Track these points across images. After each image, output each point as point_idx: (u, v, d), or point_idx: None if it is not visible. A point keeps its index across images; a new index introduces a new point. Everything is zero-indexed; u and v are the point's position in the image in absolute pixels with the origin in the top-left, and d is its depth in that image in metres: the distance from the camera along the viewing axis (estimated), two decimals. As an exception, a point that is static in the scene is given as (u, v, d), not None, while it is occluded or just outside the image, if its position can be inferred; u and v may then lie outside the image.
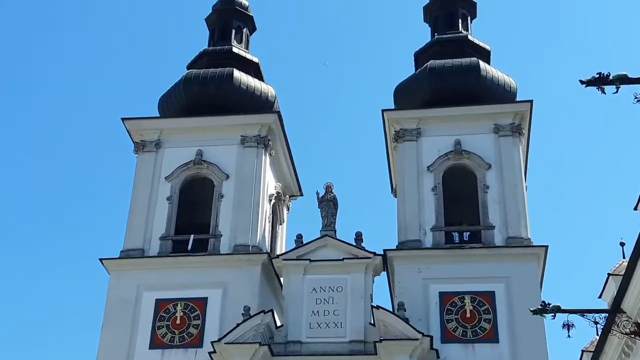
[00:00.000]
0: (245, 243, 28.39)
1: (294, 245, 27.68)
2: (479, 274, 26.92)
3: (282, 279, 28.11)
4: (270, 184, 31.05)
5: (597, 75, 15.12)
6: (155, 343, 26.95)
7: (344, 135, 66.62)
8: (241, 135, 30.33)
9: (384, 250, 27.55)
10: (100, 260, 28.48)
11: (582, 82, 15.15)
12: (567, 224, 63.44)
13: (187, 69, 33.28)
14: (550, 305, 18.11)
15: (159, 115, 32.19)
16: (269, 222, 30.65)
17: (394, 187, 32.75)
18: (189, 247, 28.71)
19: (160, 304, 27.45)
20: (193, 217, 29.97)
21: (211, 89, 31.58)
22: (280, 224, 32.75)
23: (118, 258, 28.57)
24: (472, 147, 29.51)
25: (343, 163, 64.94)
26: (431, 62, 31.79)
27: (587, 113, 64.50)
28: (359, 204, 60.20)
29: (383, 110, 30.72)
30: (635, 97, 14.92)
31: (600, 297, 31.06)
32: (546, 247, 27.43)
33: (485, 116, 30.01)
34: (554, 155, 63.99)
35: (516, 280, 26.72)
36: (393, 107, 31.59)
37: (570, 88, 63.48)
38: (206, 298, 27.38)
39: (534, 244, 27.65)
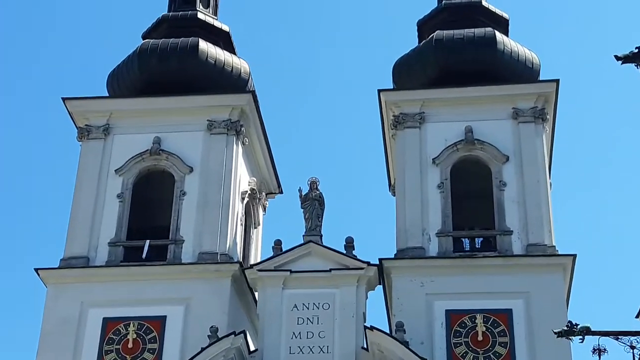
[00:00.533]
0: (213, 250, 28.48)
1: (271, 253, 27.87)
2: (493, 289, 27.12)
3: (256, 294, 28.25)
4: (243, 179, 31.15)
5: (636, 50, 15.29)
6: (103, 371, 27.04)
7: (332, 121, 66.82)
8: (208, 120, 30.42)
9: (380, 260, 27.70)
10: (36, 270, 28.53)
11: (617, 58, 15.33)
12: (598, 229, 63.76)
13: (143, 39, 33.37)
14: (578, 326, 18.22)
15: (107, 95, 32.28)
16: (242, 225, 30.78)
17: (392, 183, 32.93)
18: (144, 254, 28.77)
19: (108, 323, 27.48)
20: (149, 218, 30.09)
21: (172, 63, 31.65)
22: (255, 228, 32.90)
23: (58, 268, 28.63)
24: (486, 136, 29.71)
25: (331, 154, 65.16)
26: (437, 33, 31.97)
27: (623, 95, 64.83)
28: (350, 204, 60.47)
29: (379, 91, 30.86)
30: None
31: (637, 316, 31.29)
32: (574, 256, 27.65)
33: (502, 98, 30.22)
34: (584, 146, 64.29)
35: (538, 296, 26.92)
36: (392, 87, 31.76)
37: (603, 65, 63.69)
38: (165, 317, 27.46)
39: (560, 252, 27.90)
